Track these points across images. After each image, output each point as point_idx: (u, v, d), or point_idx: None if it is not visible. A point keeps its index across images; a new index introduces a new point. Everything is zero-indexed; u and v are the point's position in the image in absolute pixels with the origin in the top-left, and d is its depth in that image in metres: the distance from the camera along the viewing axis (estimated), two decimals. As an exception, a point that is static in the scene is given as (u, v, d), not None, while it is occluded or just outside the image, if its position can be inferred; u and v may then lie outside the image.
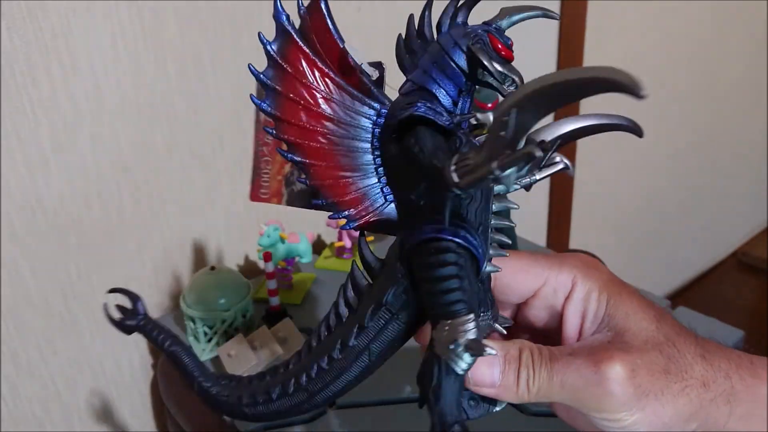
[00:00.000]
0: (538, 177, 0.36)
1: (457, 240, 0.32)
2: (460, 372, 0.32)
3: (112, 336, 0.85)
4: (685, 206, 1.83)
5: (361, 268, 0.38)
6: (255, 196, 0.51)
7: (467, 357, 0.31)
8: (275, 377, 0.39)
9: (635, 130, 0.36)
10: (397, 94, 0.35)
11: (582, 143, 1.37)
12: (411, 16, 0.35)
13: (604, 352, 0.35)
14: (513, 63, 0.34)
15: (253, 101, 0.34)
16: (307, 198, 0.39)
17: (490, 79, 0.33)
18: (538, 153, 0.26)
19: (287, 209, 0.95)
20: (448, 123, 0.33)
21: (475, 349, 0.31)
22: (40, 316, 0.78)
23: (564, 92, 0.25)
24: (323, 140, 0.35)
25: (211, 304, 0.72)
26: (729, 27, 1.68)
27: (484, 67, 0.33)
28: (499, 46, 0.33)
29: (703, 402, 0.36)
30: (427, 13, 0.35)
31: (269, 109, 0.34)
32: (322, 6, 0.34)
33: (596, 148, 1.43)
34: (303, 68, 0.34)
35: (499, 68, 0.32)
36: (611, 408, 0.34)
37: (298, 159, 0.35)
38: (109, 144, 0.77)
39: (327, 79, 0.35)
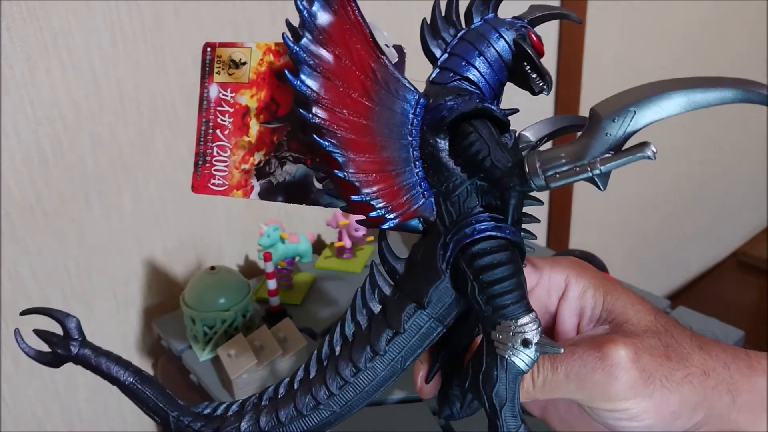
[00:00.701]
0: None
1: (510, 237, 0.31)
2: (525, 369, 0.31)
3: (113, 336, 0.85)
4: (685, 206, 1.83)
5: (383, 270, 0.34)
6: (201, 187, 0.42)
7: (533, 355, 0.31)
8: (280, 400, 0.35)
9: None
10: (417, 86, 0.33)
11: (582, 143, 1.37)
12: (436, 2, 0.34)
13: (606, 337, 0.35)
14: None
15: (288, 77, 0.30)
16: (300, 191, 0.37)
17: (533, 75, 0.32)
18: (650, 153, 0.26)
19: (287, 209, 0.95)
20: (504, 117, 0.32)
21: (548, 346, 0.31)
22: (40, 315, 0.78)
23: (691, 101, 0.26)
24: (362, 129, 0.31)
25: (211, 304, 0.72)
26: (729, 27, 1.68)
27: (531, 63, 0.31)
28: (536, 41, 0.32)
29: (707, 390, 0.35)
30: (455, 1, 0.34)
31: (306, 89, 0.30)
32: None
33: (596, 148, 1.43)
34: (343, 44, 0.30)
35: (543, 66, 0.32)
36: (619, 395, 0.34)
37: (334, 148, 0.30)
38: (108, 143, 0.77)
39: (367, 59, 0.31)
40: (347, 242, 0.89)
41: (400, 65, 0.34)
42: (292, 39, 0.30)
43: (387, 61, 0.32)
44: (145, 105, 0.78)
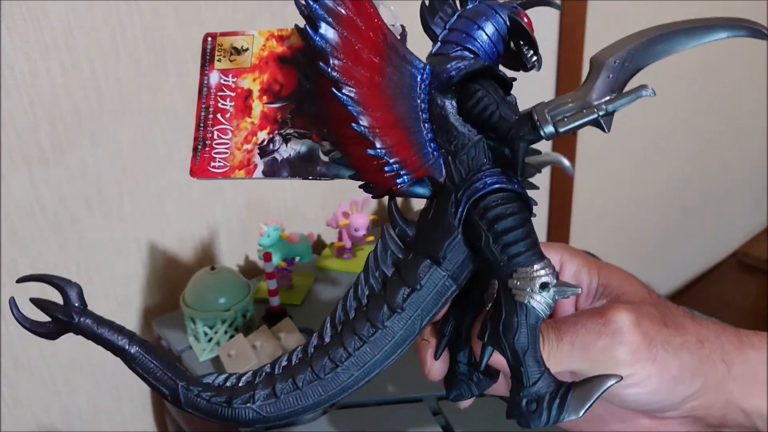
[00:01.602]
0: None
1: (519, 190, 0.32)
2: (544, 314, 0.31)
3: (112, 336, 0.85)
4: (685, 206, 1.83)
5: (394, 234, 0.35)
6: (200, 171, 0.41)
7: (552, 298, 0.31)
8: (295, 366, 0.34)
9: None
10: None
11: (582, 143, 1.37)
12: None
13: (608, 305, 0.36)
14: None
15: (308, 32, 0.31)
16: (305, 165, 0.37)
17: (525, 50, 0.34)
18: (648, 92, 0.29)
19: (287, 209, 0.95)
20: (507, 78, 0.33)
21: (566, 287, 0.31)
22: (40, 316, 0.78)
23: (683, 38, 0.30)
24: (376, 85, 0.32)
25: (211, 304, 0.72)
26: (729, 27, 1.68)
27: (527, 38, 0.34)
28: (525, 21, 0.34)
29: (702, 358, 0.36)
30: None
31: (324, 44, 0.31)
32: None
33: (596, 148, 1.43)
34: (356, 5, 0.32)
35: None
36: (623, 359, 0.34)
37: (351, 102, 0.31)
38: (109, 144, 0.77)
39: (378, 22, 0.33)
40: (347, 242, 0.89)
41: (403, 41, 0.36)
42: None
43: (393, 32, 0.33)
44: (145, 105, 0.78)
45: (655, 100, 1.57)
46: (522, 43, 0.34)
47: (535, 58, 0.34)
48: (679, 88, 1.62)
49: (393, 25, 0.34)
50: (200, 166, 0.39)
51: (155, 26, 0.76)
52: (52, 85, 0.71)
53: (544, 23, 1.22)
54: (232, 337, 0.73)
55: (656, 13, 1.44)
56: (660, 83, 1.33)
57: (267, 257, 0.76)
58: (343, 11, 0.32)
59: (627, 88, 0.31)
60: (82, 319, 0.37)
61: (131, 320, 0.85)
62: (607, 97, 0.30)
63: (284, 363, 0.35)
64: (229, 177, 0.39)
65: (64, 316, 0.36)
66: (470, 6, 0.35)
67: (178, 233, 0.86)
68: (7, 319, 0.75)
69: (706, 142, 1.80)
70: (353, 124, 0.31)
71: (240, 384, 0.35)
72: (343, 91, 0.31)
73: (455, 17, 0.35)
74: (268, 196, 0.94)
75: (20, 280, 0.36)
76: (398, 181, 0.33)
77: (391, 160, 0.32)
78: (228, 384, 0.35)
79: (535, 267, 0.31)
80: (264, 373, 0.35)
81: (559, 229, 1.44)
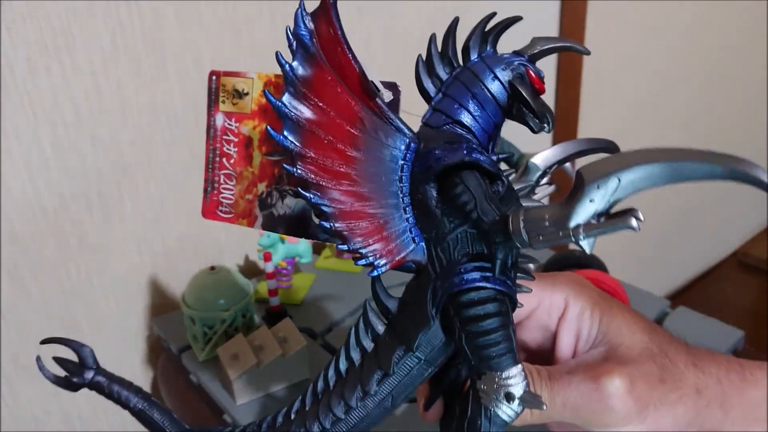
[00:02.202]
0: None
1: (500, 288, 0.31)
2: (509, 421, 0.31)
3: (112, 336, 0.85)
4: (686, 206, 1.83)
5: (376, 309, 0.35)
6: (210, 213, 0.42)
7: (517, 408, 0.31)
8: (278, 428, 0.36)
9: (612, 149, 0.36)
10: (413, 120, 0.33)
11: (582, 143, 1.37)
12: (433, 36, 0.33)
13: (602, 366, 0.36)
14: None
15: (271, 134, 0.30)
16: (299, 224, 0.37)
17: (528, 117, 0.31)
18: (634, 224, 0.26)
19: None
20: (494, 167, 0.31)
21: (531, 402, 0.31)
22: (40, 316, 0.78)
23: (677, 173, 0.26)
24: (349, 179, 0.31)
25: (211, 304, 0.72)
26: (729, 27, 1.68)
27: (528, 106, 0.31)
28: (535, 79, 0.32)
29: (699, 408, 0.37)
30: (452, 37, 0.33)
31: (289, 143, 0.30)
32: (333, 17, 0.31)
33: (596, 148, 1.43)
34: (327, 96, 0.30)
35: (541, 107, 0.31)
36: (614, 422, 0.35)
37: (320, 201, 0.30)
38: (109, 144, 0.77)
39: (353, 107, 0.30)
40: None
41: (395, 104, 0.34)
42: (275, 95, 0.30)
43: (379, 103, 0.31)
44: (145, 105, 0.78)
45: (655, 100, 1.57)
46: (525, 110, 0.31)
47: (542, 123, 0.31)
48: (678, 88, 1.62)
49: (378, 90, 0.32)
50: (210, 208, 0.41)
51: (155, 26, 0.76)
52: (52, 85, 0.71)
53: (544, 23, 1.22)
54: (232, 337, 0.72)
55: (656, 13, 1.44)
56: (660, 83, 1.34)
57: (267, 257, 0.76)
58: (307, 106, 0.30)
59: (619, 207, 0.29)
60: (95, 378, 0.41)
61: (131, 320, 0.85)
62: (586, 223, 0.27)
63: (269, 422, 0.36)
64: (234, 223, 0.40)
65: (78, 376, 0.40)
66: (470, 63, 0.32)
67: (178, 233, 0.86)
68: (7, 320, 0.75)
69: (706, 142, 1.79)
70: (322, 222, 0.30)
71: None
72: (311, 190, 0.30)
73: (452, 77, 0.32)
74: (268, 196, 0.94)
75: (43, 342, 0.40)
76: (372, 273, 0.32)
77: (366, 253, 0.31)
78: None
79: (504, 374, 0.30)
80: None
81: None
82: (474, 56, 0.32)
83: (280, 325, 0.69)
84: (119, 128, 0.77)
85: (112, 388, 0.39)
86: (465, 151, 0.30)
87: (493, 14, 0.32)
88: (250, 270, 0.94)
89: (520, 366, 0.31)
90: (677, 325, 0.72)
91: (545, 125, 0.31)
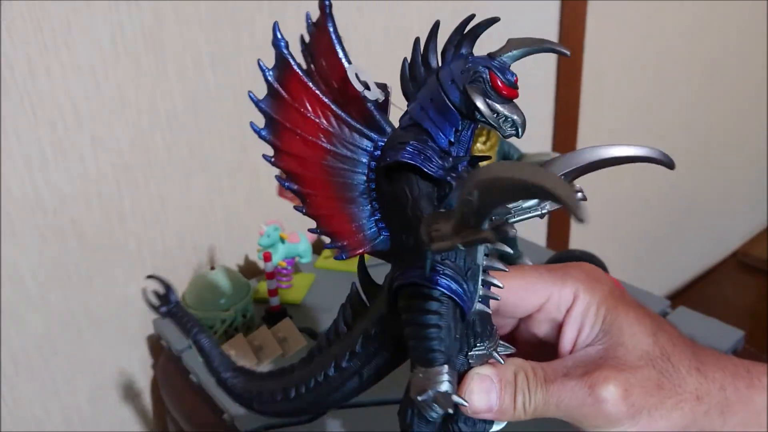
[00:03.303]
0: (547, 209, 0.36)
1: (440, 288, 0.31)
2: (431, 420, 0.33)
3: (112, 336, 0.85)
4: (685, 206, 1.83)
5: (361, 289, 0.37)
6: (282, 192, 0.44)
7: (437, 408, 0.32)
8: (281, 380, 0.41)
9: (667, 163, 0.36)
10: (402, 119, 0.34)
11: (581, 143, 1.37)
12: (417, 41, 0.34)
13: (598, 371, 0.36)
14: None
15: (252, 128, 0.34)
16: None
17: (497, 121, 0.31)
18: (491, 238, 0.26)
19: (287, 209, 0.95)
20: (436, 170, 0.32)
21: (443, 404, 0.32)
22: (40, 316, 0.78)
23: (518, 190, 0.25)
24: (320, 171, 0.34)
25: (211, 304, 0.72)
26: (729, 27, 1.68)
27: (477, 110, 0.31)
28: (500, 84, 0.31)
29: (697, 415, 0.37)
30: (432, 40, 0.33)
31: (268, 137, 0.34)
32: (329, 26, 0.33)
33: (596, 148, 1.43)
34: (302, 98, 0.33)
35: (492, 112, 0.31)
36: (605, 425, 0.36)
37: (296, 188, 0.34)
38: (109, 144, 0.77)
39: (326, 110, 0.33)
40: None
41: (385, 103, 0.35)
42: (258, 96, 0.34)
43: (341, 114, 0.33)
44: (145, 105, 0.78)
45: (655, 100, 1.57)
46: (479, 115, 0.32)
47: (507, 124, 0.31)
48: (678, 88, 1.62)
49: (368, 89, 0.33)
50: (282, 188, 0.42)
51: (155, 26, 0.76)
52: (52, 85, 0.71)
53: (543, 23, 1.22)
54: (232, 337, 0.73)
55: (656, 13, 1.44)
56: (660, 83, 1.34)
57: (267, 257, 0.76)
58: (283, 106, 0.33)
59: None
60: (173, 310, 0.49)
61: (131, 320, 0.85)
62: (466, 232, 0.27)
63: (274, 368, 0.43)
64: (294, 203, 0.41)
65: (164, 304, 0.49)
66: (441, 67, 0.33)
67: (178, 233, 0.86)
68: (7, 320, 0.75)
69: (706, 142, 1.79)
70: (295, 207, 0.34)
71: (257, 373, 0.44)
72: (287, 180, 0.34)
73: (423, 81, 0.33)
74: (269, 196, 0.94)
75: (148, 278, 0.50)
76: (337, 257, 0.35)
77: (333, 240, 0.34)
78: (255, 372, 0.44)
79: (431, 371, 0.32)
80: (276, 371, 0.42)
81: (559, 229, 1.44)
82: (448, 59, 0.33)
83: (280, 325, 0.69)
84: (119, 128, 0.77)
85: (184, 320, 0.47)
86: (404, 152, 0.31)
87: (472, 16, 0.32)
88: (250, 270, 0.94)
89: (445, 367, 0.32)
90: (678, 325, 0.72)
91: (513, 131, 0.32)
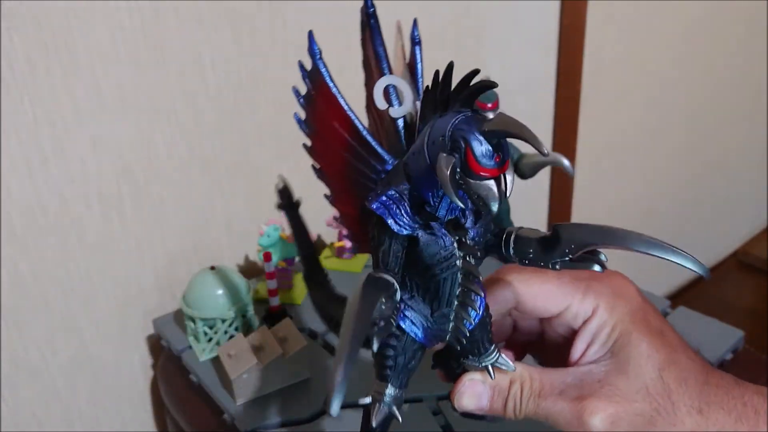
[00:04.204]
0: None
1: (400, 324, 0.36)
2: (374, 425, 0.38)
3: (112, 336, 0.85)
4: (685, 206, 1.83)
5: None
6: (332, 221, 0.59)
7: (378, 417, 0.37)
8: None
9: (701, 272, 0.37)
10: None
11: (582, 143, 1.37)
12: (437, 73, 0.31)
13: (590, 399, 0.37)
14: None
15: (295, 119, 0.37)
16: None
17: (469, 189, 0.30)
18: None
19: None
20: (399, 228, 0.33)
21: (379, 416, 0.38)
22: (40, 316, 0.78)
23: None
24: (341, 174, 0.37)
25: (211, 304, 0.72)
26: (729, 27, 1.68)
27: (443, 187, 0.29)
28: (474, 164, 0.28)
29: None
30: (441, 84, 0.31)
31: (305, 129, 0.37)
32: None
33: (596, 148, 1.43)
34: (330, 110, 0.35)
35: (458, 186, 0.29)
36: None
37: (321, 179, 0.38)
38: (109, 144, 0.77)
39: (349, 128, 0.35)
40: (347, 242, 0.89)
41: (412, 128, 0.37)
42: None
43: (361, 134, 0.35)
44: (145, 105, 0.78)
45: (655, 100, 1.57)
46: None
47: (480, 203, 0.29)
48: (678, 88, 1.62)
49: (390, 106, 0.35)
50: None
51: (155, 26, 0.76)
52: (52, 85, 0.71)
53: (542, 23, 1.22)
54: (232, 337, 0.73)
55: (656, 13, 1.44)
56: (660, 83, 1.34)
57: (267, 257, 0.76)
58: (313, 121, 0.37)
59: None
60: (288, 211, 0.55)
61: (131, 320, 0.85)
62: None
63: None
64: None
65: (288, 203, 0.55)
66: (434, 121, 0.31)
67: (178, 233, 0.86)
68: (7, 320, 0.75)
69: (706, 142, 1.79)
70: (325, 195, 0.39)
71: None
72: (319, 176, 0.38)
73: (423, 128, 0.32)
74: (269, 196, 0.94)
75: (279, 186, 0.57)
76: (347, 248, 0.40)
77: (346, 232, 0.39)
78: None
79: (381, 387, 0.38)
80: None
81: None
82: (440, 113, 0.31)
83: (280, 325, 0.69)
84: (119, 128, 0.77)
85: (296, 218, 0.54)
86: (377, 203, 0.33)
87: (476, 71, 0.30)
88: (250, 270, 0.94)
89: (391, 388, 0.37)
90: (677, 325, 0.72)
91: (483, 207, 0.30)
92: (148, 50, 0.77)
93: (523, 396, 0.39)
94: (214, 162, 0.86)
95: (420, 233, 0.33)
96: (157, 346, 0.88)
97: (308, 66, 0.35)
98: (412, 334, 0.36)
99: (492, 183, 0.29)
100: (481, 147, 0.28)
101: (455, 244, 0.34)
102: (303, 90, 0.36)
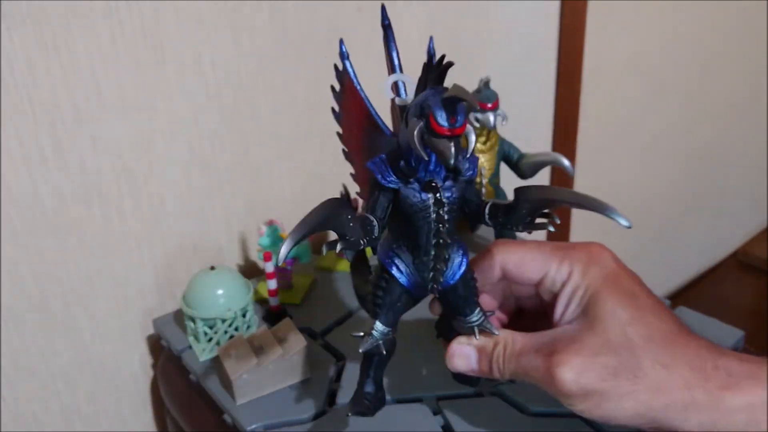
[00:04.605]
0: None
1: (388, 269, 0.44)
2: (360, 351, 0.46)
3: (112, 336, 0.85)
4: (685, 206, 1.83)
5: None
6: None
7: (365, 345, 0.45)
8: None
9: (625, 224, 0.47)
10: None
11: (581, 143, 1.37)
12: (425, 64, 0.40)
13: (559, 353, 0.42)
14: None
15: (332, 112, 0.47)
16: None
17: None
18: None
19: (287, 209, 0.95)
20: (386, 182, 0.42)
21: (364, 345, 0.45)
22: (40, 316, 0.78)
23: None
24: (359, 154, 0.46)
25: (211, 304, 0.72)
26: (730, 27, 1.68)
27: (412, 147, 0.38)
28: (435, 125, 0.37)
29: (654, 406, 0.41)
30: (431, 71, 0.39)
31: (338, 121, 0.48)
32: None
33: (596, 148, 1.43)
34: (352, 100, 0.45)
35: (425, 146, 0.38)
36: (560, 399, 0.42)
37: (347, 151, 0.48)
38: (109, 144, 0.77)
39: (365, 112, 0.44)
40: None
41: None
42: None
43: (375, 121, 0.44)
44: (144, 105, 0.78)
45: (655, 100, 1.57)
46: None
47: (442, 159, 0.38)
48: (678, 88, 1.62)
49: (397, 96, 0.44)
50: None
51: (155, 26, 0.76)
52: (52, 85, 0.71)
53: (543, 23, 1.22)
54: (232, 337, 0.73)
55: (656, 13, 1.44)
56: (660, 83, 1.34)
57: (267, 257, 0.76)
58: (343, 102, 0.46)
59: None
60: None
61: (131, 320, 0.86)
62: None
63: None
64: None
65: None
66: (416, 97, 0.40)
67: (178, 233, 0.86)
68: (7, 320, 0.75)
69: (705, 142, 1.79)
70: (351, 174, 0.49)
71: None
72: (343, 143, 0.48)
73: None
74: (268, 196, 0.94)
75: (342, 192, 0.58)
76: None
77: (359, 187, 0.48)
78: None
79: (372, 320, 0.46)
80: None
81: (559, 229, 1.44)
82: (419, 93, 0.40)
83: (280, 325, 0.69)
84: (119, 127, 0.77)
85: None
86: (371, 162, 0.42)
87: (450, 63, 0.38)
88: (250, 270, 0.94)
89: (379, 324, 0.45)
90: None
91: (444, 163, 0.38)
92: (148, 50, 0.77)
93: (505, 356, 0.45)
94: (214, 162, 0.86)
95: (401, 187, 0.41)
96: (157, 346, 0.88)
97: (339, 66, 0.44)
98: (398, 278, 0.44)
99: (449, 142, 0.36)
100: (440, 112, 0.36)
101: (431, 200, 0.41)
102: (337, 87, 0.45)
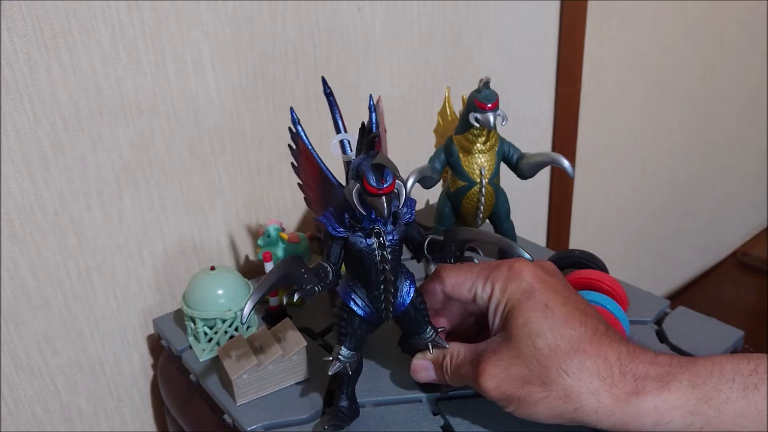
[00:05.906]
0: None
1: (347, 303, 0.52)
2: (329, 374, 0.53)
3: (112, 336, 0.85)
4: (685, 206, 1.83)
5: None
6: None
7: (333, 368, 0.53)
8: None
9: (528, 257, 0.52)
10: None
11: (581, 143, 1.37)
12: (361, 128, 0.48)
13: (482, 364, 0.49)
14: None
15: (292, 166, 0.57)
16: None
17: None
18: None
19: (287, 209, 0.95)
20: (335, 233, 0.49)
21: (330, 367, 0.54)
22: (40, 316, 0.78)
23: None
24: (317, 200, 0.56)
25: (211, 304, 0.72)
26: (729, 27, 1.68)
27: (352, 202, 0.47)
28: (368, 187, 0.44)
29: (567, 410, 0.45)
30: (361, 136, 0.48)
31: (297, 172, 0.56)
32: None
33: (596, 148, 1.43)
34: (307, 158, 0.54)
35: (362, 204, 0.46)
36: (495, 402, 0.49)
37: (309, 206, 0.57)
38: (109, 144, 0.77)
39: (318, 169, 0.55)
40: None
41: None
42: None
43: (325, 176, 0.55)
44: (144, 104, 0.78)
45: (655, 100, 1.57)
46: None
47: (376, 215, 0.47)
48: (679, 88, 1.62)
49: (343, 153, 0.55)
50: None
51: (155, 26, 0.76)
52: (52, 85, 0.71)
53: (543, 23, 1.22)
54: (232, 337, 0.73)
55: (656, 13, 1.44)
56: (659, 84, 1.34)
57: (267, 257, 0.76)
58: (300, 165, 0.56)
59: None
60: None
61: (131, 320, 0.85)
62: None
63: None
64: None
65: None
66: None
67: (178, 233, 0.86)
68: (7, 320, 0.75)
69: (705, 142, 1.80)
70: (305, 197, 0.58)
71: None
72: (303, 190, 0.57)
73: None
74: (268, 196, 0.94)
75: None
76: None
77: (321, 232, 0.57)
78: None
79: (337, 347, 0.54)
80: None
81: (559, 229, 1.44)
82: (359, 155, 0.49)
83: (280, 325, 0.69)
84: (119, 127, 0.77)
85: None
86: (323, 216, 0.50)
87: (375, 135, 0.46)
88: (250, 270, 0.94)
89: (344, 350, 0.53)
90: (677, 325, 0.72)
91: (383, 217, 0.46)
92: (148, 50, 0.77)
93: (452, 366, 0.52)
94: (214, 162, 0.86)
95: (349, 235, 0.49)
96: (157, 346, 0.88)
97: (293, 130, 0.53)
98: (356, 310, 0.52)
99: (381, 199, 0.44)
100: (371, 175, 0.44)
101: (375, 244, 0.49)
102: (294, 146, 0.54)
